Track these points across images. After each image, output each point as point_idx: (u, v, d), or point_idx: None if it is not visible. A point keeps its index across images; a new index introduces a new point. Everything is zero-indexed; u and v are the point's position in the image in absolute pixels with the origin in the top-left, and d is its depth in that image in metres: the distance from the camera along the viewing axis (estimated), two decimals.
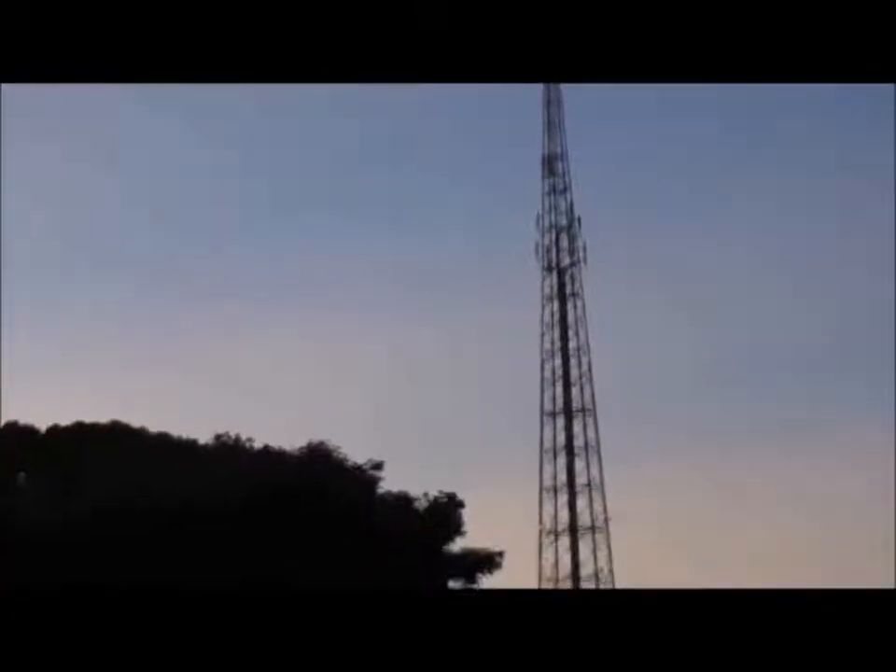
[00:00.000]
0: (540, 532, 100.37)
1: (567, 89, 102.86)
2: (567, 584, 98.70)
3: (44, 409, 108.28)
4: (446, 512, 72.19)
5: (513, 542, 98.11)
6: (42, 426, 72.99)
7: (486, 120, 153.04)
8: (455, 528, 72.28)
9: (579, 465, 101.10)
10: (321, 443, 71.61)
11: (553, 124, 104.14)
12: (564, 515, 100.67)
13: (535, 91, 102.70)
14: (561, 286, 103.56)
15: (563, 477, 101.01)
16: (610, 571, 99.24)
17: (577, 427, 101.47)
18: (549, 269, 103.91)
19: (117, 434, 72.08)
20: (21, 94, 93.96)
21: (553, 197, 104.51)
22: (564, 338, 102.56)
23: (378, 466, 72.83)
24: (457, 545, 72.04)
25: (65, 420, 73.38)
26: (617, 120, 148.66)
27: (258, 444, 73.83)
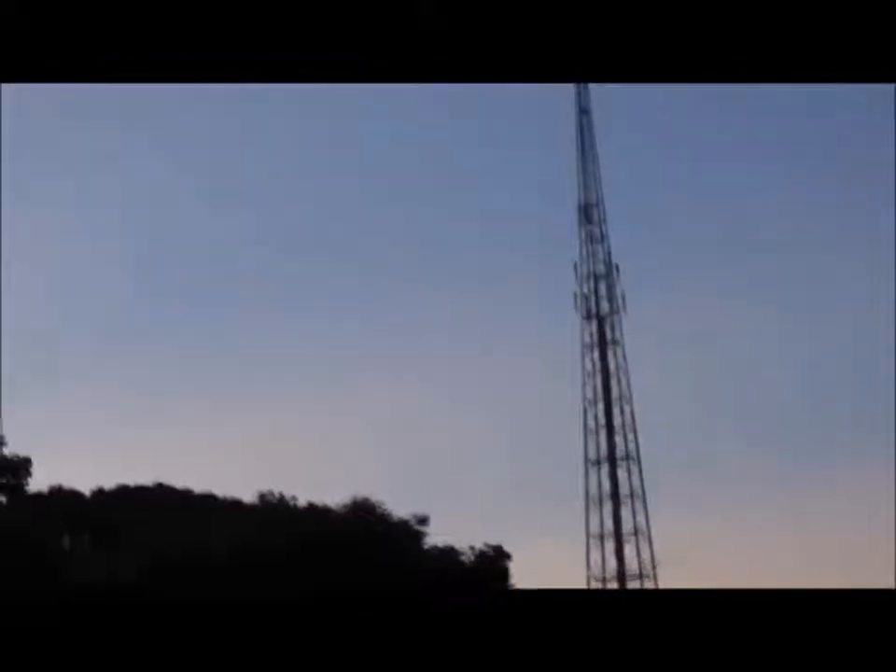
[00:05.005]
0: (588, 579, 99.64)
1: (599, 134, 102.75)
2: None
3: (86, 471, 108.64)
4: (493, 565, 71.85)
5: None
6: (86, 489, 73.21)
7: (518, 164, 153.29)
8: (502, 580, 71.88)
9: (624, 512, 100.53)
10: (365, 499, 71.45)
11: (587, 172, 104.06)
12: (611, 562, 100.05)
13: (565, 127, 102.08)
14: (601, 334, 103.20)
15: (609, 524, 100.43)
16: None
17: (621, 475, 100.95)
18: (588, 317, 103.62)
19: (161, 495, 72.17)
20: None
21: (590, 245, 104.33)
22: (606, 386, 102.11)
23: (423, 520, 72.65)
24: None
25: (109, 483, 73.56)
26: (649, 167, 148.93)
27: (301, 502, 73.85)
